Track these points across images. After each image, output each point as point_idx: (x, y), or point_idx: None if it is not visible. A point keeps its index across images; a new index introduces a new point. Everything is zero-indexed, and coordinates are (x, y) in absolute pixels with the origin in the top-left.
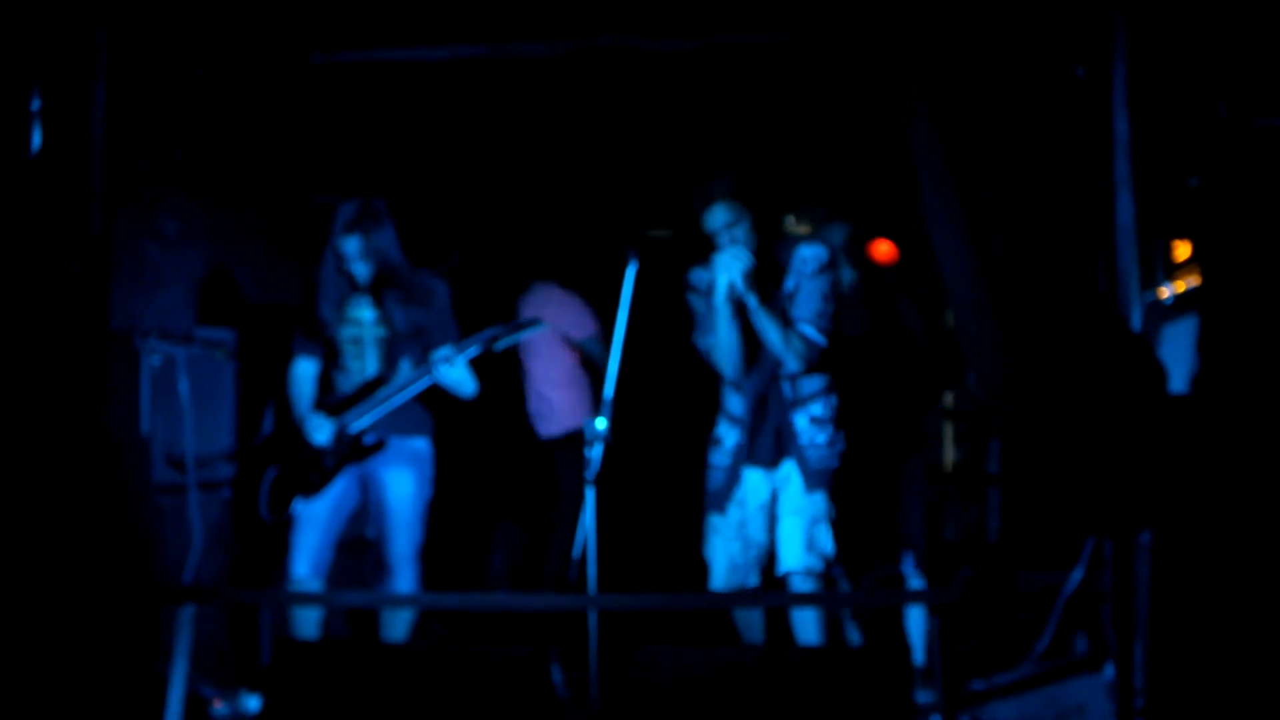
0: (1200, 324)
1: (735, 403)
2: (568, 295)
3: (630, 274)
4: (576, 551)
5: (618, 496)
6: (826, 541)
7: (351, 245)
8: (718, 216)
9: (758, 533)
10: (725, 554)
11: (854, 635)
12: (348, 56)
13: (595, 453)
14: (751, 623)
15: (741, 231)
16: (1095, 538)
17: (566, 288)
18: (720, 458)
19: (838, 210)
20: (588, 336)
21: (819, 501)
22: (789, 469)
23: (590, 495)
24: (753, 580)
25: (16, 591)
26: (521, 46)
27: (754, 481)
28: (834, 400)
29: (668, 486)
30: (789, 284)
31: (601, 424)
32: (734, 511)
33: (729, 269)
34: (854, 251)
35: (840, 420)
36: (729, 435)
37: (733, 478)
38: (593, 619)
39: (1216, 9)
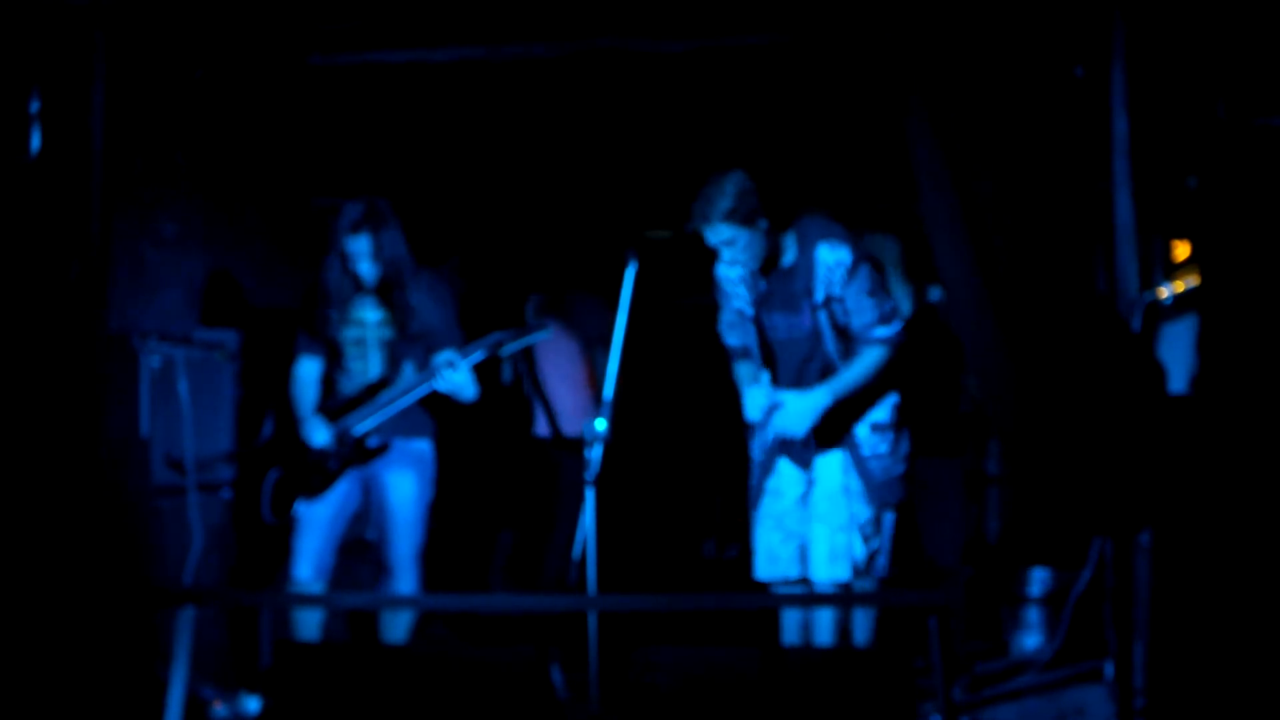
0: (1199, 324)
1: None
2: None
3: (630, 275)
4: (576, 553)
5: (620, 497)
6: (858, 549)
7: (360, 244)
8: (718, 234)
9: (796, 525)
10: (765, 545)
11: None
12: (346, 58)
13: (595, 454)
14: (788, 623)
15: (741, 247)
16: (1095, 538)
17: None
18: (756, 452)
19: (837, 213)
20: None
21: (861, 511)
22: (825, 468)
23: (590, 496)
24: (794, 572)
25: (16, 595)
26: (520, 48)
27: (789, 474)
28: (895, 399)
29: (670, 487)
30: (819, 294)
31: (601, 425)
32: (770, 503)
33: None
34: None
35: (903, 420)
36: (760, 433)
37: (765, 472)
38: (593, 620)
39: (1215, 9)
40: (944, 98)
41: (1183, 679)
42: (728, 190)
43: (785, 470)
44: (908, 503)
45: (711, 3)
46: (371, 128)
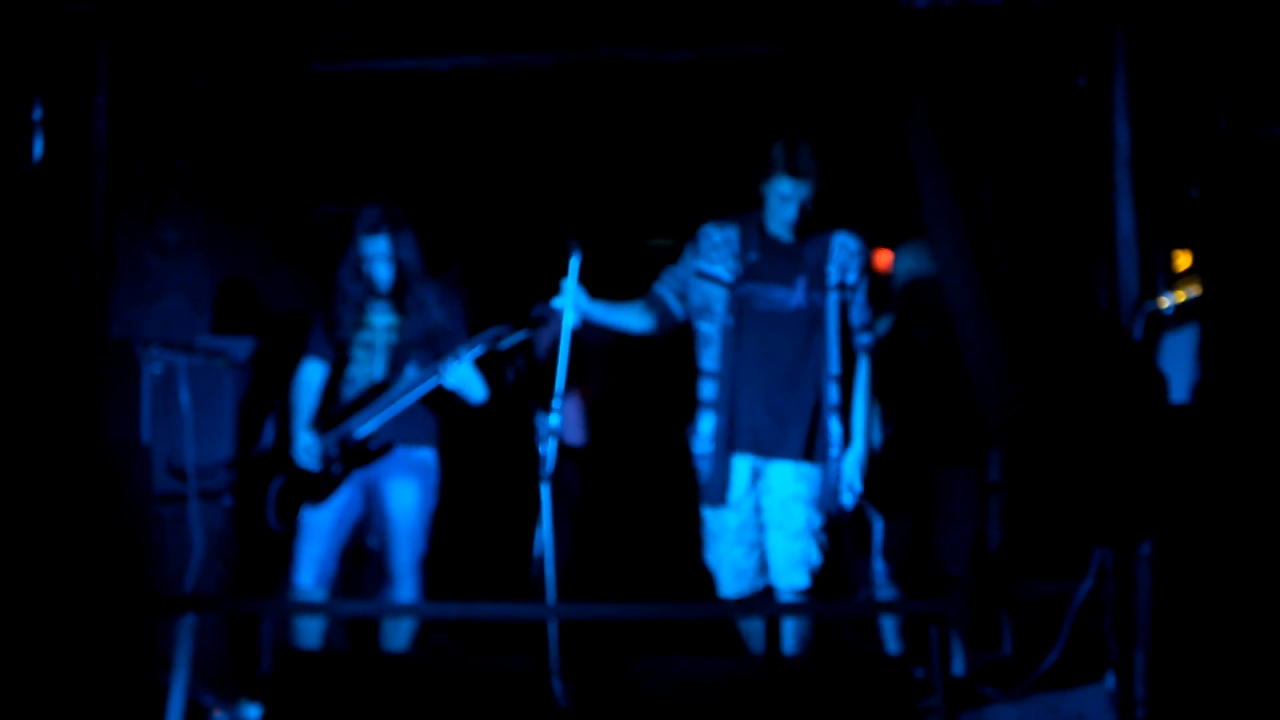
0: (1200, 334)
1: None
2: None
3: (574, 265)
4: (535, 552)
5: (618, 505)
6: (814, 556)
7: (377, 245)
8: (797, 188)
9: (754, 534)
10: (729, 560)
11: (893, 645)
12: (349, 66)
13: (550, 449)
14: (754, 631)
15: (802, 197)
16: (1097, 547)
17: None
18: (702, 465)
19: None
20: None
21: (815, 518)
22: (776, 475)
23: (545, 493)
24: (760, 584)
25: (17, 601)
26: (522, 57)
27: (741, 485)
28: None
29: (668, 493)
30: (833, 276)
31: (555, 420)
32: (729, 517)
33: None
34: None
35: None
36: (706, 421)
37: (719, 488)
38: (562, 624)
39: (1216, 19)
40: (946, 107)
41: (1184, 689)
42: (807, 149)
43: (738, 481)
44: (922, 510)
45: (712, 12)
46: (373, 135)
